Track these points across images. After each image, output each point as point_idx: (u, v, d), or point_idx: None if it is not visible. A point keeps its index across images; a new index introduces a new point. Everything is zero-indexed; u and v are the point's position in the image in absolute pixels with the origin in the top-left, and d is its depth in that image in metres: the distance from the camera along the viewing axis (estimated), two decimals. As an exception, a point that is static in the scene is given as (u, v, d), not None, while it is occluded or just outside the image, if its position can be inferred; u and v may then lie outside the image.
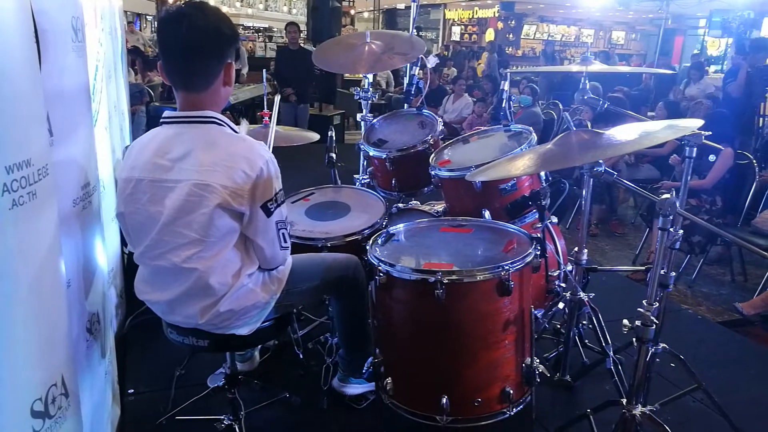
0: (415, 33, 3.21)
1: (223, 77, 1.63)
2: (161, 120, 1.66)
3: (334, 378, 2.29)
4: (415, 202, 2.82)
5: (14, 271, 1.06)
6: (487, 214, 2.28)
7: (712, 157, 4.19)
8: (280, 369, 2.51)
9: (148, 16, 18.54)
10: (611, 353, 2.26)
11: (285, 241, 1.72)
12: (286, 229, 1.72)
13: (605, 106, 2.25)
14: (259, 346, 2.52)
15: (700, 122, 1.76)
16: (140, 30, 15.37)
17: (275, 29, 20.02)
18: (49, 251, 1.21)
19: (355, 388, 2.25)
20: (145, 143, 1.64)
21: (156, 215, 1.59)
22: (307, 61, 7.18)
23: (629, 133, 1.74)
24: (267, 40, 16.48)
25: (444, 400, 1.77)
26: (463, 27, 20.41)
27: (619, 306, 2.42)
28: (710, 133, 1.89)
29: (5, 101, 1.02)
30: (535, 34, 20.01)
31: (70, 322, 1.37)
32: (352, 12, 14.80)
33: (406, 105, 3.09)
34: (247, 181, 1.55)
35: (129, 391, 2.33)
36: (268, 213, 1.62)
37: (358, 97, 3.04)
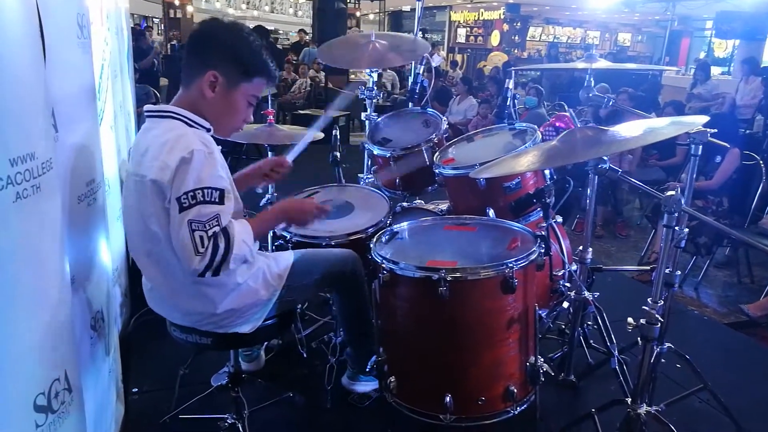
0: (420, 35, 3.20)
1: (205, 84, 1.61)
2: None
3: (342, 377, 2.29)
4: (419, 201, 2.81)
5: (18, 264, 1.06)
6: (491, 212, 2.27)
7: (718, 158, 4.17)
8: (284, 368, 2.51)
9: (155, 19, 18.64)
10: (616, 353, 2.24)
11: (202, 247, 1.47)
12: (206, 232, 1.47)
13: (610, 104, 2.24)
14: (264, 345, 2.52)
15: (705, 119, 1.74)
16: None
17: (281, 32, 20.08)
18: (53, 245, 1.21)
19: (365, 386, 2.24)
20: (137, 139, 1.68)
21: (134, 213, 1.62)
22: None
23: (633, 130, 1.73)
24: (273, 43, 16.49)
25: (447, 399, 1.76)
26: (468, 29, 20.41)
27: (625, 306, 2.41)
28: (716, 130, 1.88)
29: (9, 94, 1.02)
30: (540, 35, 19.98)
31: (74, 318, 1.37)
32: (358, 14, 14.78)
33: (410, 104, 3.09)
34: (166, 172, 1.48)
35: (133, 390, 2.33)
36: (181, 207, 1.47)
37: (362, 95, 3.04)
